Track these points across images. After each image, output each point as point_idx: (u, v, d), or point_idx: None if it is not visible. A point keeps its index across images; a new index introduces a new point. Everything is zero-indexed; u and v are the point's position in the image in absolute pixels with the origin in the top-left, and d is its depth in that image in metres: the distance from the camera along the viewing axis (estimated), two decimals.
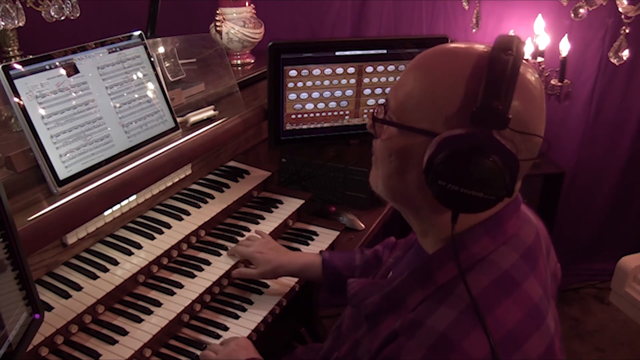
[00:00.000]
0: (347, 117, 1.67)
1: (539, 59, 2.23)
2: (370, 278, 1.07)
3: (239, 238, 1.46)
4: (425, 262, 0.80)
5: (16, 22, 1.36)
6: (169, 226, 1.39)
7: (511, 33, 2.23)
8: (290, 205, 1.63)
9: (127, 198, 1.33)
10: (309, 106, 1.62)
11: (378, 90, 1.65)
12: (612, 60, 1.64)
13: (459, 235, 0.77)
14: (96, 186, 1.17)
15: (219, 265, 1.37)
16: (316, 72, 1.57)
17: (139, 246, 1.31)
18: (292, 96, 1.58)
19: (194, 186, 1.58)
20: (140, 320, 1.18)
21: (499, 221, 0.80)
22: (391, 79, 1.64)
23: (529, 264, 0.79)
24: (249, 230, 1.50)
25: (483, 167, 0.69)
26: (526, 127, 0.74)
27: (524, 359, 0.71)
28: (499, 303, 0.73)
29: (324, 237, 1.60)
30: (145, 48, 1.38)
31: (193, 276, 1.32)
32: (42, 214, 1.06)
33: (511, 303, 0.73)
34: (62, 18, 1.45)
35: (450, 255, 0.78)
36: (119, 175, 1.22)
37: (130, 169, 1.25)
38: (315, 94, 1.60)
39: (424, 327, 0.72)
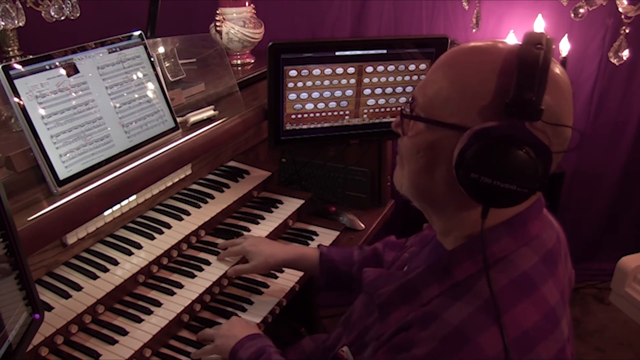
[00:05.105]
0: (347, 117, 1.67)
1: None
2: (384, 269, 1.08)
3: None
4: (445, 257, 0.81)
5: (16, 22, 1.36)
6: (169, 226, 1.39)
7: (511, 33, 2.24)
8: (290, 205, 1.64)
9: (127, 198, 1.33)
10: (309, 106, 1.62)
11: (378, 90, 1.65)
12: (612, 60, 1.64)
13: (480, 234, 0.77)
14: (96, 186, 1.17)
15: (219, 265, 1.37)
16: (316, 72, 1.57)
17: (139, 246, 1.31)
18: (292, 96, 1.58)
19: (194, 186, 1.58)
20: (140, 320, 1.18)
21: (522, 221, 0.80)
22: (391, 79, 1.64)
23: (548, 267, 0.79)
24: (249, 230, 1.51)
25: (517, 159, 0.69)
26: (558, 120, 0.74)
27: None
28: (516, 303, 0.73)
29: (324, 237, 1.60)
30: (145, 48, 1.38)
31: (193, 276, 1.32)
32: (42, 214, 1.06)
33: (528, 304, 0.74)
34: (62, 18, 1.45)
35: (470, 252, 0.78)
36: (119, 175, 1.22)
37: (130, 169, 1.25)
38: (315, 94, 1.60)
39: (438, 319, 0.73)
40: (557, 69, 0.76)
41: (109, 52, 1.30)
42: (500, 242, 0.78)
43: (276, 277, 1.44)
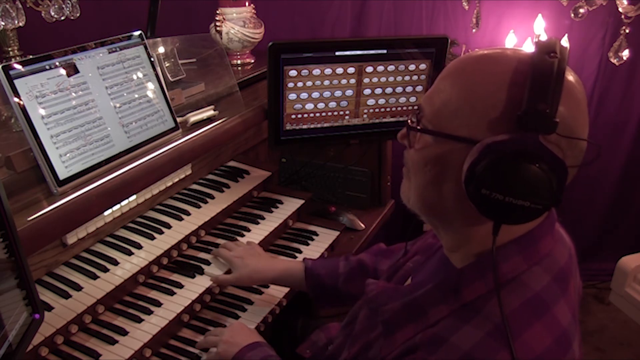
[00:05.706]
0: (347, 117, 1.67)
1: None
2: (383, 279, 1.05)
3: (239, 238, 1.47)
4: (454, 276, 0.78)
5: (16, 22, 1.36)
6: (169, 226, 1.39)
7: (511, 33, 2.24)
8: (290, 205, 1.64)
9: (127, 198, 1.33)
10: (309, 106, 1.62)
11: (378, 90, 1.65)
12: (612, 60, 1.64)
13: (491, 252, 0.73)
14: (96, 186, 1.17)
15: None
16: (316, 72, 1.57)
17: (139, 246, 1.31)
18: (292, 96, 1.58)
19: (194, 186, 1.58)
20: (140, 320, 1.18)
21: (533, 239, 0.77)
22: (391, 79, 1.64)
23: (560, 287, 0.76)
24: (249, 231, 1.51)
25: (530, 174, 0.66)
26: (572, 132, 0.71)
27: None
28: (528, 327, 0.71)
29: (324, 237, 1.60)
30: (145, 48, 1.38)
31: (193, 276, 1.32)
32: (42, 214, 1.06)
33: (541, 328, 0.71)
34: (62, 18, 1.45)
35: (480, 272, 0.75)
36: (119, 175, 1.22)
37: (130, 169, 1.25)
38: (315, 94, 1.60)
39: (447, 344, 0.70)
40: (572, 78, 0.73)
41: (109, 52, 1.30)
42: (510, 261, 0.75)
43: None
